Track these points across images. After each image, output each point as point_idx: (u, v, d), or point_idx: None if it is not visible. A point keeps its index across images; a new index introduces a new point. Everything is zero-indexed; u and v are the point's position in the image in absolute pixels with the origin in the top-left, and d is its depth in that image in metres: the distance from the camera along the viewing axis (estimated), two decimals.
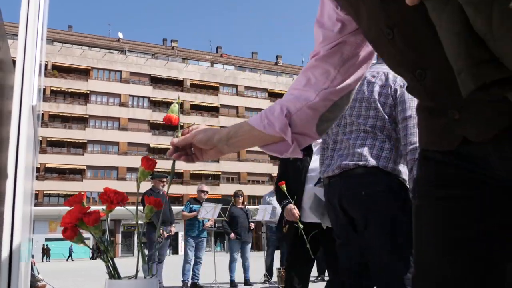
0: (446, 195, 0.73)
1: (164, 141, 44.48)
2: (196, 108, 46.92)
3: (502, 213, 0.69)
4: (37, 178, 36.97)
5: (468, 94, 0.53)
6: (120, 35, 51.16)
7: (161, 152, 43.70)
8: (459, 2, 0.53)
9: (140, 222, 0.86)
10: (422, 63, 0.69)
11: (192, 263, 7.47)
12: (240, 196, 7.93)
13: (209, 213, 7.01)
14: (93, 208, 0.78)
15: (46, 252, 33.55)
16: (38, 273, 7.94)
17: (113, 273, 0.73)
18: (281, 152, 0.93)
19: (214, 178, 45.11)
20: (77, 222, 0.69)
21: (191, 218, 7.42)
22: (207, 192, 7.82)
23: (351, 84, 0.91)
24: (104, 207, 0.78)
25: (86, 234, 0.85)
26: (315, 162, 3.11)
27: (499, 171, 0.67)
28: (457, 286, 0.70)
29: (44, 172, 39.51)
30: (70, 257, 34.43)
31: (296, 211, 3.04)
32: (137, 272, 0.77)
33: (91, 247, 0.84)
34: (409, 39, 0.69)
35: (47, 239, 34.85)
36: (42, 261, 31.52)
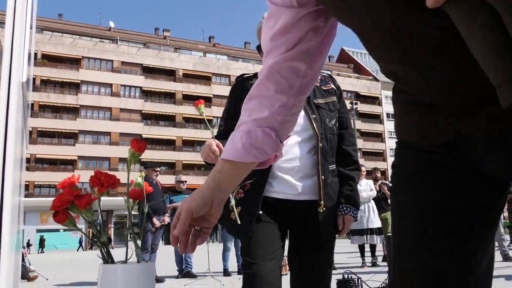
0: (424, 176, 0.74)
1: (156, 131, 44.28)
2: (189, 98, 46.66)
3: (477, 198, 0.71)
4: (28, 169, 36.74)
5: (508, 105, 0.53)
6: (112, 24, 50.59)
7: (153, 142, 43.52)
8: (493, 11, 0.51)
9: (134, 213, 0.84)
10: (431, 61, 0.65)
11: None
12: None
13: None
14: None
15: (40, 243, 33.47)
16: (30, 264, 7.91)
17: (107, 258, 0.72)
18: (266, 165, 0.90)
19: (207, 168, 45.09)
20: (68, 205, 0.67)
21: (175, 208, 7.46)
22: (186, 182, 7.98)
23: (316, 76, 0.89)
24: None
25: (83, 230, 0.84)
26: None
27: (487, 164, 0.67)
28: (431, 249, 0.71)
29: (35, 163, 39.21)
30: (80, 247, 34.35)
31: (219, 147, 1.71)
32: (133, 257, 0.76)
33: (86, 235, 0.83)
34: (420, 42, 0.65)
35: (38, 230, 34.71)
36: (38, 252, 31.45)
